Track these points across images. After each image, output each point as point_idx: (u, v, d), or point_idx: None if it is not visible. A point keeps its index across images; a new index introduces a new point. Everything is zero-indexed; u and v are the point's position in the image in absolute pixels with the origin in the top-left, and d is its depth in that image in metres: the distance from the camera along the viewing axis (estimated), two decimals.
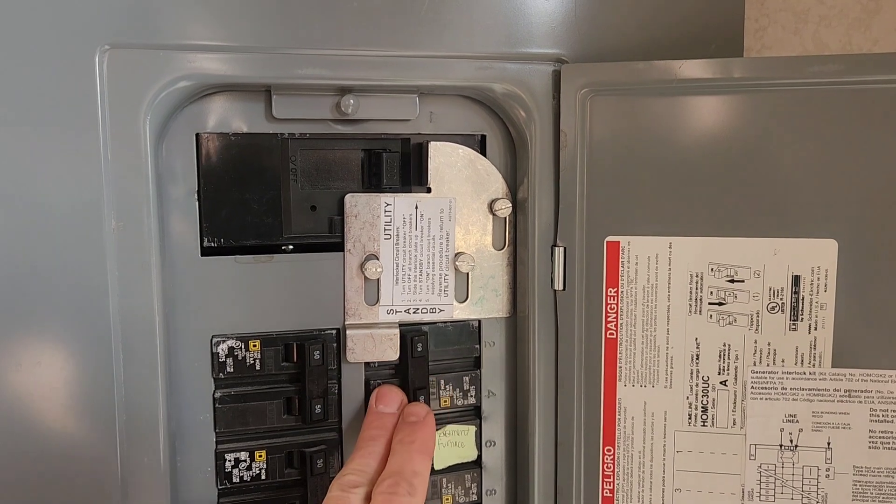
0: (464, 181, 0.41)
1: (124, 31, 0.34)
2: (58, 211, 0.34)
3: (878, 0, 0.57)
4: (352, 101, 0.38)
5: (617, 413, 0.41)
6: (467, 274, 0.41)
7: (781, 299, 0.39)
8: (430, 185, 0.40)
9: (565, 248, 0.40)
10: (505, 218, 0.42)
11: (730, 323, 0.39)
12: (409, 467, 0.35)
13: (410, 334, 0.40)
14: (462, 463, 0.43)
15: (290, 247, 0.39)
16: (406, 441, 0.36)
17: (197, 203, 0.38)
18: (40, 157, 0.33)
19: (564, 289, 0.40)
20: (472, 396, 0.43)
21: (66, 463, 0.34)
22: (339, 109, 0.38)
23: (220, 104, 0.37)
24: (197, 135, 0.37)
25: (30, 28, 0.33)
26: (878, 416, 0.38)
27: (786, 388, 0.39)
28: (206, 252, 0.38)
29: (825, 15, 0.57)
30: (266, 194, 0.39)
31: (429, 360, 0.41)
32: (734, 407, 0.40)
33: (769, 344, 0.39)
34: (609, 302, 0.40)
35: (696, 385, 0.40)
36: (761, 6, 0.57)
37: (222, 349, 0.38)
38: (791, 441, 0.39)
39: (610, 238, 0.40)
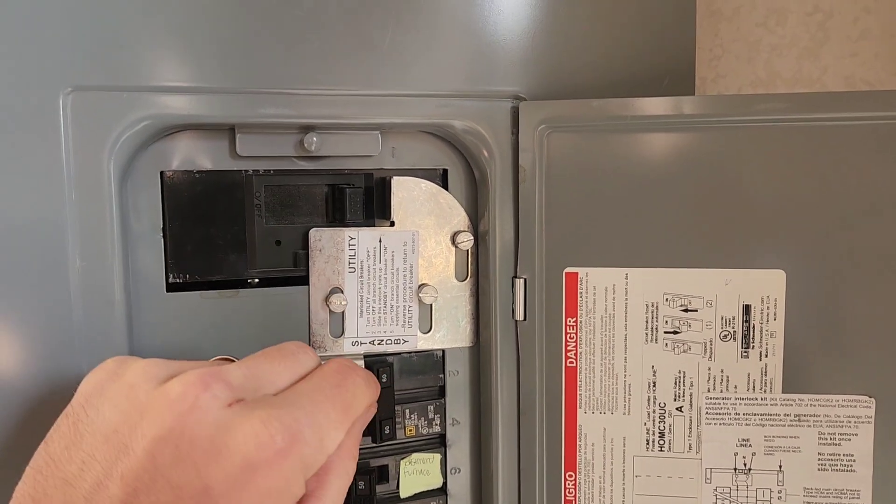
0: (426, 214, 0.42)
1: (87, 74, 0.34)
2: (22, 251, 0.34)
3: (826, 31, 0.59)
4: (315, 138, 0.38)
5: (578, 439, 0.42)
6: (431, 305, 0.42)
7: (733, 328, 0.40)
8: (394, 219, 0.41)
9: (525, 280, 0.41)
10: (467, 250, 0.43)
11: (684, 351, 0.41)
12: (369, 390, 0.32)
13: (376, 365, 0.41)
14: (428, 490, 0.44)
15: (256, 281, 0.40)
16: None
17: (162, 240, 0.38)
18: (3, 199, 0.33)
19: (525, 319, 0.41)
20: (436, 425, 0.43)
21: None
22: (302, 146, 0.39)
23: (184, 142, 0.38)
24: (162, 173, 0.38)
25: None
26: (826, 439, 0.40)
27: (739, 414, 0.40)
28: (171, 288, 0.38)
29: (776, 44, 0.59)
30: (231, 230, 0.39)
31: (394, 391, 0.42)
32: (690, 432, 0.41)
33: (722, 371, 0.40)
34: (568, 331, 0.41)
35: (654, 411, 0.41)
36: (715, 37, 0.59)
37: None
38: (745, 464, 0.41)
39: (569, 269, 0.41)
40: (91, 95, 0.34)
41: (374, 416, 0.41)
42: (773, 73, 0.60)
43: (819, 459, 0.40)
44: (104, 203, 0.35)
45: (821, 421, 0.40)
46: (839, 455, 0.40)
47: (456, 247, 0.42)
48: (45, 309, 0.34)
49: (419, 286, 0.42)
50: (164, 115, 0.35)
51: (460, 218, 0.42)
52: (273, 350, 0.31)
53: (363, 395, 0.31)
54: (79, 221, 0.34)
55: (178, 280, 0.39)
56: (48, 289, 0.34)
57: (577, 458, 0.42)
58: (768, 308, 0.40)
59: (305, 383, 0.30)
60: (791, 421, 0.40)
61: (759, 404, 0.40)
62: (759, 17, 0.59)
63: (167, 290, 0.38)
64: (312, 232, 0.40)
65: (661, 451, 0.41)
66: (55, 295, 0.34)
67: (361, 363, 0.41)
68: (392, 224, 0.41)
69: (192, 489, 0.25)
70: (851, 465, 0.40)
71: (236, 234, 0.39)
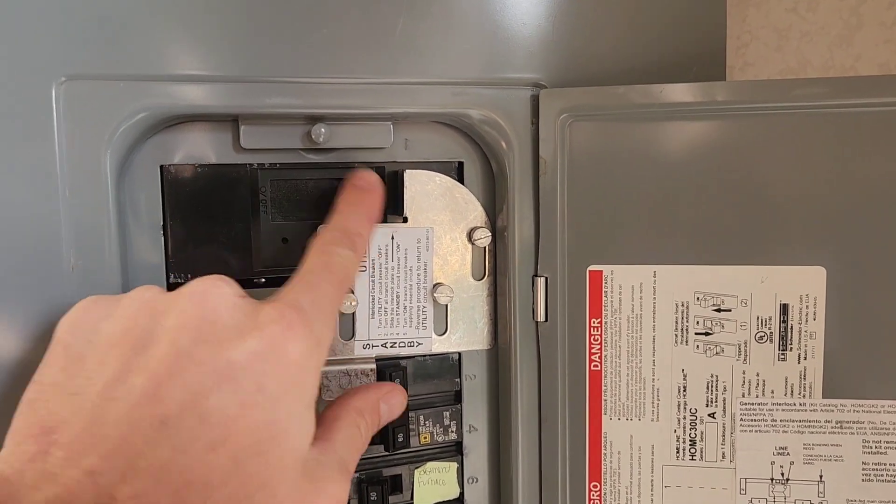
0: (441, 210, 0.39)
1: (82, 62, 0.32)
2: (14, 250, 0.32)
3: (860, 16, 0.56)
4: (323, 129, 0.36)
5: (603, 447, 0.39)
6: (446, 306, 0.40)
7: (770, 328, 0.37)
8: (407, 215, 0.39)
9: (547, 278, 0.39)
10: (484, 247, 0.40)
11: (717, 353, 0.38)
12: (355, 227, 0.34)
13: (388, 369, 0.39)
14: (444, 501, 0.41)
15: (262, 280, 0.38)
16: (353, 202, 0.35)
17: (162, 238, 0.36)
18: None
19: (546, 320, 0.39)
20: (452, 432, 0.41)
21: None
22: (310, 138, 0.37)
23: (185, 135, 0.36)
24: (161, 167, 0.36)
25: None
26: (871, 447, 0.37)
27: (776, 420, 0.38)
28: (172, 289, 0.36)
29: (807, 31, 0.57)
30: (235, 227, 0.37)
31: (408, 396, 0.40)
32: (723, 440, 0.38)
33: (758, 374, 0.38)
34: (593, 333, 0.39)
35: (684, 417, 0.39)
36: (743, 23, 0.56)
37: None
38: (782, 474, 0.38)
39: (593, 267, 0.39)
40: (86, 85, 0.32)
41: (387, 424, 0.39)
42: (804, 61, 0.57)
43: (863, 469, 0.37)
44: (100, 199, 0.33)
45: (865, 428, 0.37)
46: (885, 465, 0.37)
47: (472, 244, 0.40)
48: (38, 310, 0.33)
49: (434, 285, 0.39)
50: (163, 105, 0.33)
51: (477, 213, 0.40)
52: None
53: (352, 264, 0.33)
54: (74, 218, 0.33)
55: (179, 280, 0.37)
56: (42, 289, 0.32)
57: (603, 467, 0.39)
58: (807, 307, 0.37)
59: (298, 272, 0.31)
60: (832, 428, 0.37)
61: (798, 410, 0.38)
62: (790, 2, 0.56)
63: (168, 291, 0.36)
64: (321, 228, 0.38)
65: (692, 459, 0.39)
66: (49, 296, 0.33)
67: (373, 367, 0.39)
68: (405, 220, 0.39)
69: (215, 364, 0.25)
70: None
71: (241, 231, 0.37)
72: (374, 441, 0.39)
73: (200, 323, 0.26)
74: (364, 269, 0.38)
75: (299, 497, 0.27)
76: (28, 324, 0.32)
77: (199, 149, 0.36)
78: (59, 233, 0.32)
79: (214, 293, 0.28)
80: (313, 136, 0.36)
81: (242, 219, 0.37)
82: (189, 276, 0.37)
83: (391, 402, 0.34)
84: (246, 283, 0.37)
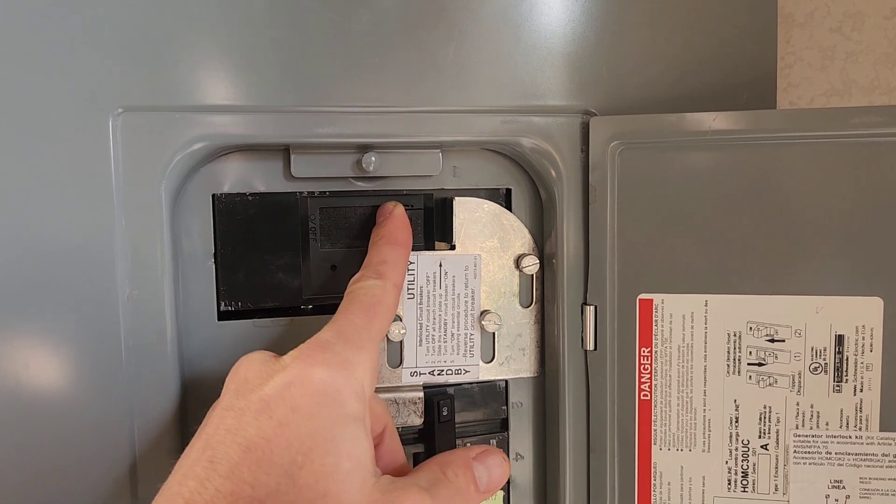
0: (489, 237, 0.39)
1: (138, 94, 0.33)
2: (71, 278, 0.32)
3: None
4: (373, 158, 0.36)
5: (652, 478, 0.39)
6: (493, 333, 0.40)
7: (824, 359, 0.37)
8: (455, 242, 0.39)
9: (596, 307, 0.38)
10: (532, 275, 0.40)
11: (770, 384, 0.37)
12: (377, 258, 0.35)
13: (435, 397, 0.39)
14: None
15: (311, 308, 0.38)
16: (375, 239, 0.36)
17: (213, 266, 0.36)
18: (52, 225, 0.32)
19: (596, 348, 0.39)
20: None
21: None
22: (360, 166, 0.37)
23: (236, 164, 0.36)
24: (213, 195, 0.36)
25: (43, 93, 0.32)
26: None
27: (831, 453, 0.37)
28: (222, 316, 0.37)
29: (852, 51, 0.56)
30: (285, 255, 0.37)
31: (455, 423, 0.39)
32: (776, 472, 0.38)
33: (812, 406, 0.37)
34: (642, 362, 0.38)
35: (736, 449, 0.38)
36: (787, 44, 0.56)
37: None
38: None
39: (643, 296, 0.38)
40: (142, 116, 0.33)
41: (434, 452, 0.39)
42: (849, 81, 0.56)
43: None
44: (155, 228, 0.33)
45: None
46: None
47: (520, 271, 0.40)
48: (93, 339, 0.33)
49: (481, 313, 0.39)
50: (217, 135, 0.34)
51: (525, 240, 0.40)
52: None
53: (380, 290, 0.33)
54: (129, 248, 0.33)
55: (229, 308, 0.37)
56: (97, 318, 0.33)
57: (653, 498, 0.39)
58: (863, 338, 0.36)
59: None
60: (890, 462, 0.37)
61: (854, 443, 0.37)
62: (834, 22, 0.56)
63: (219, 319, 0.36)
64: None
65: (744, 492, 0.38)
66: (104, 324, 0.33)
67: (420, 394, 0.39)
68: (453, 247, 0.39)
69: (249, 404, 0.28)
70: None
71: (290, 258, 0.37)
72: None
73: (237, 386, 0.30)
74: (412, 296, 0.38)
75: None
76: (83, 353, 0.33)
77: (249, 177, 0.36)
78: (114, 262, 0.33)
79: (244, 362, 0.31)
80: (363, 165, 0.36)
81: (292, 247, 0.37)
82: (239, 303, 0.37)
83: (487, 461, 0.33)
84: (294, 311, 0.38)
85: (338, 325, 0.32)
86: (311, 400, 0.28)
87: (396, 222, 0.37)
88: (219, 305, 0.36)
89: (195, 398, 0.36)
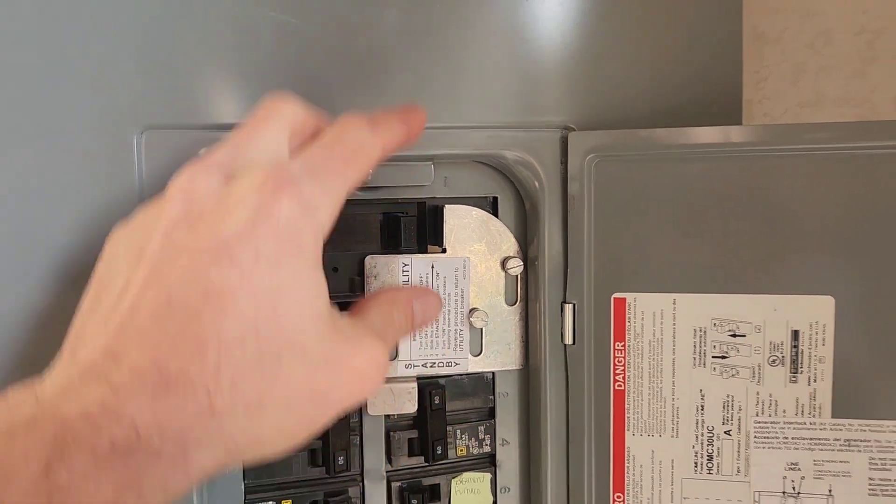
0: (477, 241, 0.43)
1: (160, 113, 0.36)
2: None
3: (875, 50, 0.59)
4: (371, 169, 0.40)
5: (626, 461, 0.43)
6: (481, 329, 0.43)
7: (781, 353, 0.40)
8: (446, 246, 0.42)
9: (574, 305, 0.42)
10: (517, 276, 0.44)
11: (732, 375, 0.41)
12: (384, 119, 0.33)
13: (428, 387, 0.43)
14: None
15: None
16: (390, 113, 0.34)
17: None
18: (78, 239, 0.36)
19: (574, 343, 0.42)
20: (487, 445, 0.45)
21: None
22: None
23: None
24: None
25: (72, 113, 0.35)
26: (878, 464, 0.40)
27: (787, 438, 0.41)
28: None
29: (823, 66, 0.60)
30: None
31: (446, 412, 0.43)
32: (738, 455, 0.41)
33: (770, 395, 0.41)
34: (616, 355, 0.42)
35: (702, 434, 0.42)
36: (761, 59, 0.59)
37: None
38: (794, 488, 0.41)
39: (617, 295, 0.42)
40: (163, 134, 0.36)
41: (427, 437, 0.42)
42: (821, 94, 0.60)
43: (870, 485, 0.40)
44: None
45: (871, 446, 0.40)
46: (890, 481, 0.40)
47: (506, 272, 0.43)
48: None
49: (470, 310, 0.43)
50: None
51: (510, 244, 0.44)
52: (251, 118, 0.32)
53: (368, 144, 0.31)
54: None
55: None
56: None
57: (626, 479, 0.43)
58: (817, 334, 0.40)
59: (304, 149, 0.31)
60: (841, 446, 0.40)
61: (808, 429, 0.41)
62: (806, 38, 0.59)
63: None
64: (368, 259, 0.42)
65: (709, 473, 0.42)
66: None
67: (414, 384, 0.42)
68: (444, 250, 0.43)
69: (208, 244, 0.26)
70: None
71: None
72: (415, 453, 0.43)
73: (189, 215, 0.28)
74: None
75: (335, 355, 0.28)
76: None
77: None
78: None
79: (198, 183, 0.28)
80: None
81: None
82: None
83: (424, 300, 0.35)
84: None
85: (310, 159, 0.29)
86: (275, 246, 0.27)
87: (419, 117, 0.35)
88: None
89: None
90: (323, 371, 0.28)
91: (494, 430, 0.45)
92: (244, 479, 0.41)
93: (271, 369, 0.26)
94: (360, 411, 0.42)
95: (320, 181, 0.29)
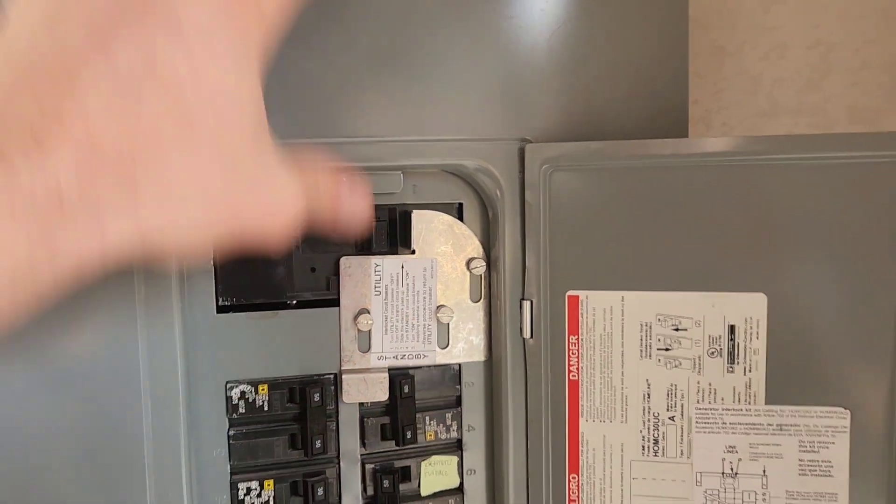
0: (444, 243, 0.47)
1: None
2: None
3: (828, 62, 0.63)
4: (345, 178, 0.44)
5: (580, 445, 0.46)
6: (448, 324, 0.47)
7: (720, 345, 0.44)
8: (415, 248, 0.46)
9: (532, 302, 0.46)
10: (480, 275, 0.48)
11: (676, 366, 0.45)
12: None
13: (398, 377, 0.47)
14: (446, 490, 0.49)
15: (294, 302, 0.46)
16: None
17: (212, 268, 0.44)
18: None
19: (532, 337, 0.46)
20: (454, 431, 0.48)
21: (98, 497, 0.41)
22: None
23: None
24: None
25: None
26: (806, 446, 0.44)
27: (726, 423, 0.45)
28: (221, 310, 0.44)
29: (779, 77, 0.63)
30: (273, 259, 0.45)
31: (415, 400, 0.47)
32: (682, 439, 0.45)
33: (710, 384, 0.45)
34: (571, 348, 0.46)
35: (648, 420, 0.46)
36: (719, 71, 0.63)
37: (235, 393, 0.44)
38: (732, 469, 0.45)
39: (570, 292, 0.46)
40: None
41: (398, 423, 0.46)
42: (776, 104, 0.64)
43: (800, 465, 0.44)
44: None
45: (801, 430, 0.44)
46: (818, 461, 0.44)
47: (470, 272, 0.47)
48: (111, 332, 0.40)
49: (437, 307, 0.47)
50: None
51: (474, 246, 0.47)
52: None
53: None
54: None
55: (226, 302, 0.44)
56: (112, 313, 0.40)
57: (580, 461, 0.46)
58: (751, 328, 0.44)
59: None
60: (773, 430, 0.44)
61: (744, 415, 0.44)
62: (762, 51, 0.63)
63: (217, 312, 0.44)
64: (343, 260, 0.46)
65: (655, 456, 0.46)
66: (118, 317, 0.40)
67: (386, 375, 0.46)
68: (413, 252, 0.46)
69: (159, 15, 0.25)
70: (829, 471, 0.44)
71: (277, 261, 0.45)
72: (387, 437, 0.47)
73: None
74: (378, 293, 0.46)
75: (259, 175, 0.29)
76: (102, 344, 0.40)
77: None
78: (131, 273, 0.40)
79: None
80: None
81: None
82: (234, 298, 0.44)
83: (355, 196, 0.36)
84: (281, 305, 0.45)
85: None
86: (222, 30, 0.26)
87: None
88: (217, 300, 0.44)
89: (195, 379, 0.43)
90: (243, 180, 0.28)
91: (461, 417, 0.49)
92: (229, 461, 0.45)
93: (196, 157, 0.26)
94: (336, 399, 0.46)
95: None
